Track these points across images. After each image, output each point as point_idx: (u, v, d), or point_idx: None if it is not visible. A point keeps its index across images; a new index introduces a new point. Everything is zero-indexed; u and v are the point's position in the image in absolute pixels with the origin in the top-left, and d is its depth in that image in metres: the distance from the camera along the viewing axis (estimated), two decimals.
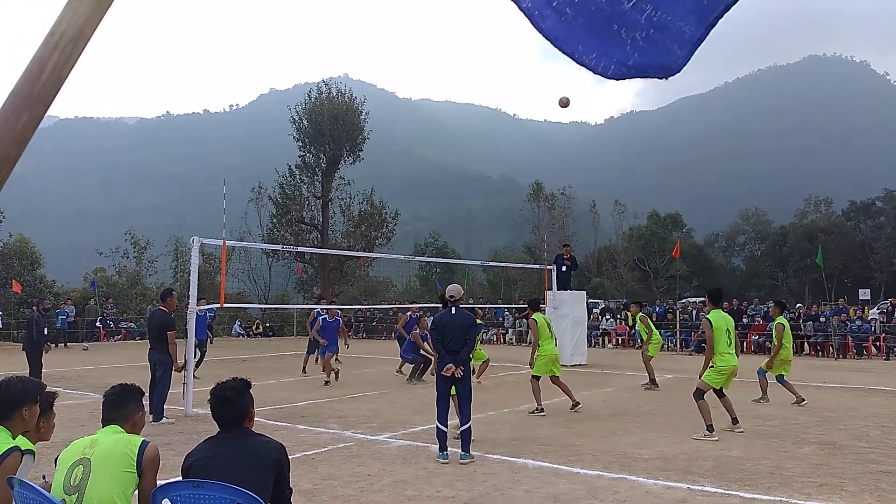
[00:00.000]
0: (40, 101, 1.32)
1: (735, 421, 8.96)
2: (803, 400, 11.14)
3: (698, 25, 2.25)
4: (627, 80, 2.38)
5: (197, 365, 15.93)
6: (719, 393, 8.93)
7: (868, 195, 58.88)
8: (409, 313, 17.05)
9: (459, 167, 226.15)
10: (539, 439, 8.44)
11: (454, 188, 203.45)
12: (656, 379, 13.59)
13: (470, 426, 7.42)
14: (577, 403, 10.68)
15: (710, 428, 8.51)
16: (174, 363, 10.01)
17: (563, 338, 18.50)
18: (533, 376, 10.60)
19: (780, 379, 11.47)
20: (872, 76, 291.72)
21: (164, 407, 9.94)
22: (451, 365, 7.38)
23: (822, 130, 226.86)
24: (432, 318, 9.07)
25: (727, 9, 2.23)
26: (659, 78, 2.37)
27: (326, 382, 13.87)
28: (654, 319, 25.76)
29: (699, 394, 8.74)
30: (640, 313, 14.64)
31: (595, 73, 2.41)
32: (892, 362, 19.38)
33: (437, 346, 7.59)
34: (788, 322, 12.40)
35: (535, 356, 10.64)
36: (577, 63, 2.42)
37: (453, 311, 7.71)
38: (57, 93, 1.36)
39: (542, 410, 10.38)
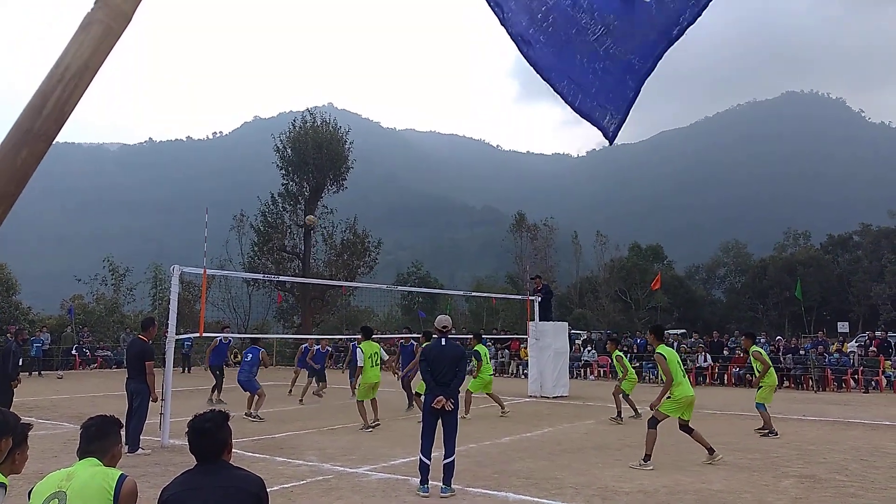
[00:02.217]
0: (41, 136, 1.27)
1: (711, 451, 9.04)
2: (773, 433, 11.23)
3: (646, 59, 2.46)
4: (586, 122, 2.59)
5: (218, 390, 16.23)
6: (686, 428, 9.08)
7: (845, 229, 59.83)
8: (317, 347, 18.65)
9: (443, 197, 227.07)
10: (520, 472, 8.38)
11: (437, 218, 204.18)
12: (622, 413, 13.40)
13: (454, 459, 7.35)
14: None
15: (647, 457, 8.69)
16: (151, 393, 9.86)
17: (544, 368, 18.55)
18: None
19: (760, 406, 11.58)
20: (848, 113, 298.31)
21: (140, 437, 9.77)
22: (441, 397, 7.32)
23: (801, 165, 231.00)
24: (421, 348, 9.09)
25: (670, 45, 2.45)
26: (605, 135, 2.59)
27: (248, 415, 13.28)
28: (636, 351, 25.92)
29: (653, 422, 8.92)
30: (617, 352, 14.60)
31: (566, 101, 2.61)
32: (870, 395, 19.51)
33: (427, 378, 7.52)
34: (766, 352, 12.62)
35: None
36: (553, 89, 2.61)
37: (443, 343, 7.68)
38: (59, 129, 1.30)
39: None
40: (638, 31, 2.45)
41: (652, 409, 9.06)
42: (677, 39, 2.43)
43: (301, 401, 16.87)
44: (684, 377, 9.14)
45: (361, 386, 12.26)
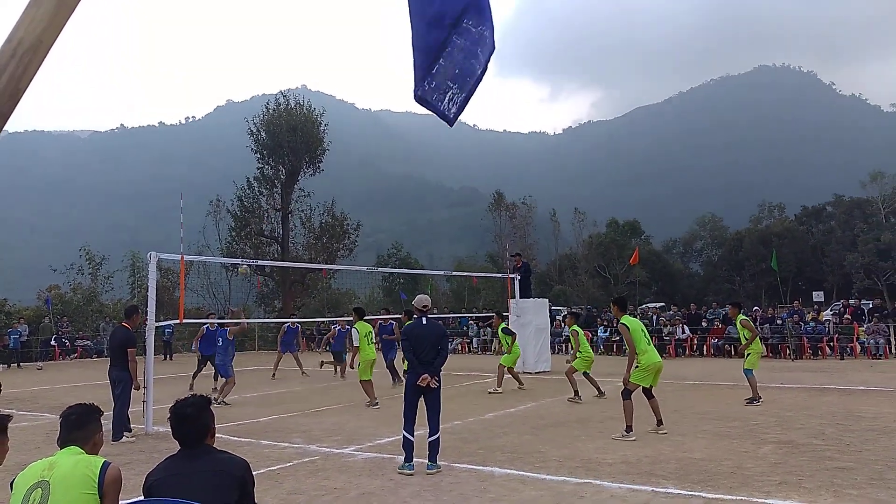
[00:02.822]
0: None
1: (660, 423, 9.24)
2: (759, 399, 11.42)
3: (491, 28, 2.35)
4: (423, 107, 2.44)
5: (215, 378, 15.70)
6: (648, 394, 9.28)
7: (819, 200, 60.61)
8: (337, 327, 18.53)
9: (421, 178, 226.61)
10: (505, 447, 8.47)
11: (416, 199, 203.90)
12: (578, 392, 12.75)
13: (438, 437, 7.43)
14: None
15: (628, 428, 8.86)
16: (134, 381, 9.84)
17: (526, 345, 18.68)
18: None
19: (748, 372, 11.72)
20: (819, 86, 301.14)
21: (130, 425, 9.79)
22: (426, 375, 7.36)
23: (774, 138, 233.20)
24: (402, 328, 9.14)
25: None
26: (444, 119, 2.42)
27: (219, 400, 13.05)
28: (615, 325, 26.17)
29: (626, 394, 9.08)
30: (575, 326, 14.34)
31: (418, 90, 2.43)
32: (845, 362, 19.89)
33: (410, 357, 7.55)
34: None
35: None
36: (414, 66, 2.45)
37: (424, 322, 7.73)
38: (15, 105, 1.28)
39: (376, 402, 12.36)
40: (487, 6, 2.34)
41: (625, 384, 9.18)
42: None
43: (342, 376, 17.68)
44: (649, 345, 9.29)
45: (362, 364, 12.67)
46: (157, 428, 9.98)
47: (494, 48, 2.35)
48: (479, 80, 2.37)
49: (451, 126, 2.53)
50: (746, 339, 11.92)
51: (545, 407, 12.14)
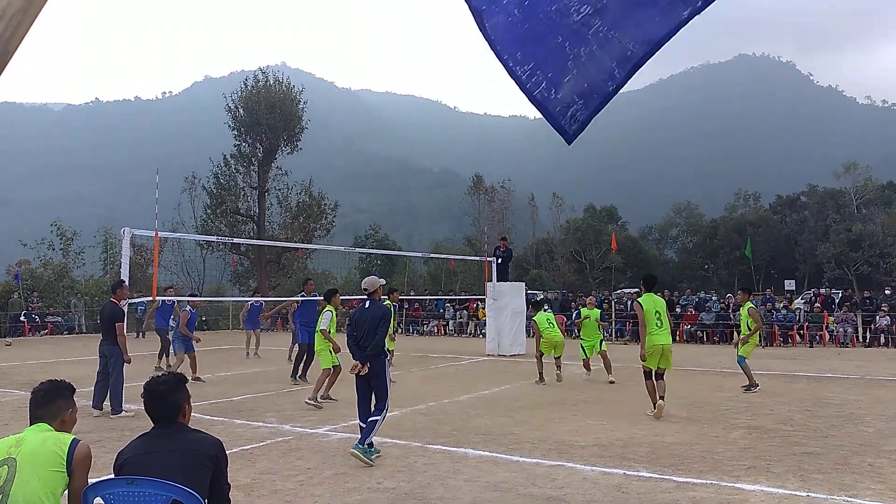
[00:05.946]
0: None
1: (661, 398, 9.32)
2: (756, 386, 11.46)
3: (643, 45, 2.17)
4: (540, 113, 2.30)
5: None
6: (658, 375, 9.38)
7: (793, 190, 61.41)
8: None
9: (400, 159, 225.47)
10: (479, 429, 8.51)
11: (395, 180, 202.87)
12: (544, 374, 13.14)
13: (377, 420, 6.99)
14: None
15: (653, 403, 9.24)
16: (124, 355, 9.81)
17: (502, 328, 18.77)
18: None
19: (741, 360, 11.68)
20: (798, 76, 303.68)
21: (121, 400, 9.84)
22: (356, 363, 7.03)
23: (752, 127, 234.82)
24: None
25: (678, 28, 2.15)
26: (561, 134, 2.32)
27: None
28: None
29: (645, 374, 9.41)
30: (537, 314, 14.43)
31: (522, 88, 2.30)
32: (815, 349, 20.24)
33: (350, 345, 7.23)
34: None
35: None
36: (509, 72, 2.32)
37: (367, 305, 7.36)
38: (4, 67, 1.25)
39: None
40: (636, 11, 2.13)
41: (641, 359, 9.35)
42: (688, 21, 2.12)
43: None
44: (660, 328, 9.28)
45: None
46: (128, 405, 9.90)
47: (642, 63, 2.14)
48: (611, 97, 2.19)
49: (569, 144, 2.37)
50: (749, 329, 11.57)
51: (520, 389, 12.21)
